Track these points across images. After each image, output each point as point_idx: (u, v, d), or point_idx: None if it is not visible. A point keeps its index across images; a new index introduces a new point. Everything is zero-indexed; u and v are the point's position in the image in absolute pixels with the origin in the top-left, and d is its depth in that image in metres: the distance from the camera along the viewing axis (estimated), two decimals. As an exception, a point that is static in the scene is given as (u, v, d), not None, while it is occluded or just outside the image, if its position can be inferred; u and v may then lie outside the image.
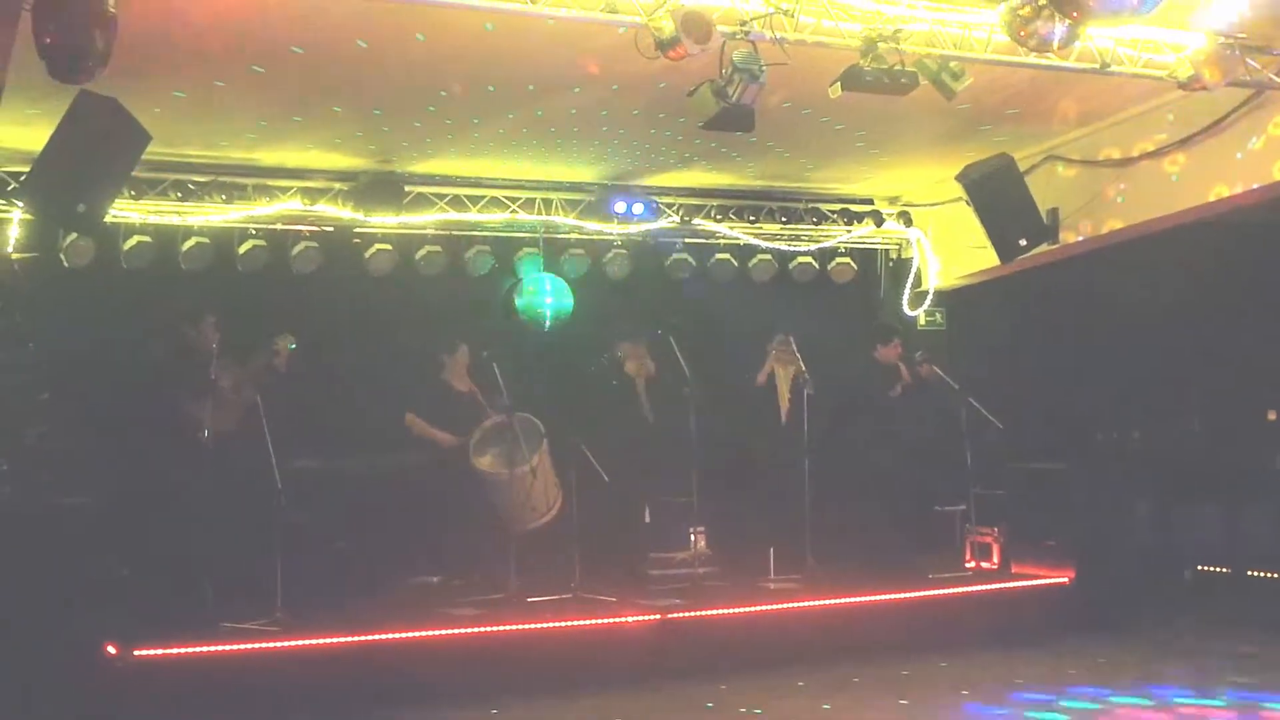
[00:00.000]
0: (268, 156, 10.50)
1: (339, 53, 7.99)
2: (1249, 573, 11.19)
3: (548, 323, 11.60)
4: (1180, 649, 9.56)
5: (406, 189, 10.98)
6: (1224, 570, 11.45)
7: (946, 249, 12.58)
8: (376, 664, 8.18)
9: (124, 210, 10.12)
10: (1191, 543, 11.76)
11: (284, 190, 10.78)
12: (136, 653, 7.74)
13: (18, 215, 9.81)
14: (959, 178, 10.19)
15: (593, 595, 9.38)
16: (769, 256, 12.56)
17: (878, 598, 9.70)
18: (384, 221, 11.02)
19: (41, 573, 8.03)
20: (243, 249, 10.77)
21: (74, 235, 9.94)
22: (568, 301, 11.72)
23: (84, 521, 8.44)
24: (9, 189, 9.67)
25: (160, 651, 7.81)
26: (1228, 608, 10.97)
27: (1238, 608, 10.93)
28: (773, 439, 11.06)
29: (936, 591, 10.01)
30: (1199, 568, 11.68)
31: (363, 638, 8.27)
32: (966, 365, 11.15)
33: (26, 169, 8.41)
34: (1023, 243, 10.18)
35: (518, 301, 11.68)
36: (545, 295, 11.70)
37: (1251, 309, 11.76)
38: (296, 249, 10.94)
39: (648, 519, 10.63)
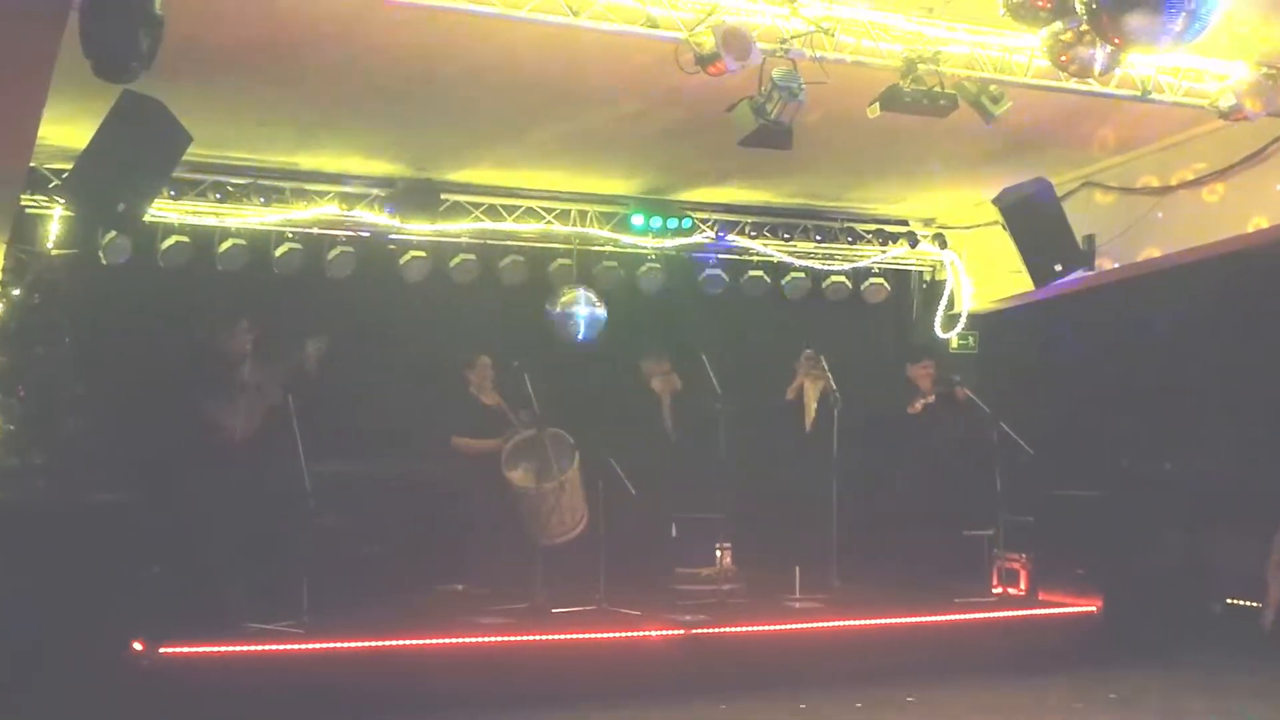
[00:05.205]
0: (306, 161, 10.58)
1: (380, 60, 8.05)
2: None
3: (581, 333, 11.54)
4: (1206, 682, 9.46)
5: (443, 197, 11.02)
6: (1255, 604, 11.33)
7: (981, 272, 12.56)
8: (400, 669, 8.20)
9: (163, 210, 10.19)
10: (1222, 575, 11.64)
11: (321, 195, 10.84)
12: (163, 650, 7.78)
13: (59, 212, 9.94)
14: (995, 201, 10.15)
15: (618, 609, 9.37)
16: (802, 274, 12.57)
17: (903, 620, 9.65)
18: (419, 229, 11.07)
19: (71, 567, 8.09)
20: (279, 252, 10.83)
21: (113, 233, 10.04)
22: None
23: (115, 517, 8.50)
24: (51, 186, 9.78)
25: (186, 650, 7.86)
26: (1258, 641, 10.84)
27: (1268, 642, 10.80)
28: (799, 451, 11.03)
29: (962, 616, 9.93)
30: (1229, 600, 11.57)
31: (387, 643, 8.29)
32: (998, 389, 11.10)
33: (69, 167, 8.49)
34: (1058, 268, 10.13)
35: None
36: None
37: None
38: (332, 253, 11.01)
39: (674, 534, 10.62)
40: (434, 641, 8.45)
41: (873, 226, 12.65)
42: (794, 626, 9.44)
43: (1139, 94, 8.29)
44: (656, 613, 9.40)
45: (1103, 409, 12.30)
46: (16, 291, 9.54)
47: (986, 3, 7.10)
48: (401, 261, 11.24)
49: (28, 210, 9.99)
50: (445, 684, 8.22)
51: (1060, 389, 12.43)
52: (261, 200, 10.62)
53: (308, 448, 8.76)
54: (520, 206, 11.50)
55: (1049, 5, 6.74)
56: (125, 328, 10.17)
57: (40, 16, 5.91)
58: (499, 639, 8.63)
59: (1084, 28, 6.82)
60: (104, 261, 10.28)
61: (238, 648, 8.01)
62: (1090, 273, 10.90)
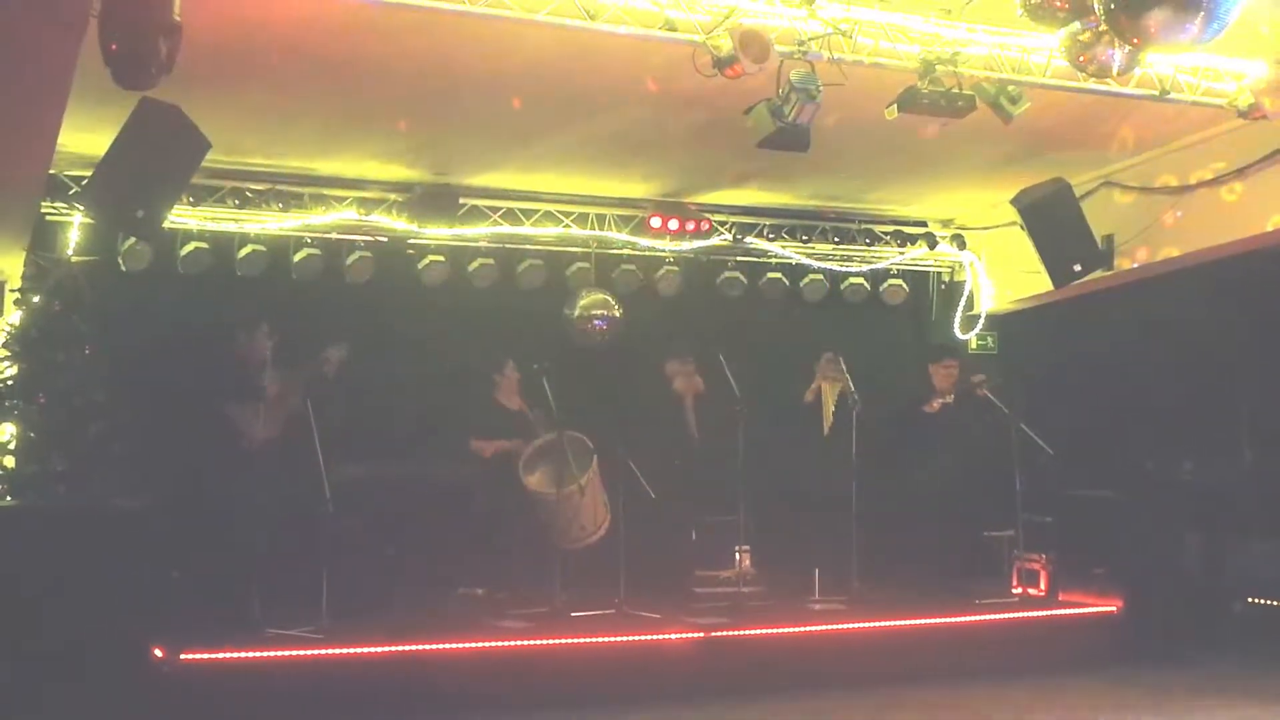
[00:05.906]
0: (325, 166, 10.60)
1: (398, 66, 8.06)
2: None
3: None
4: (1226, 682, 9.42)
5: (461, 202, 11.05)
6: (1275, 603, 11.28)
7: (1000, 273, 12.54)
8: (420, 674, 8.20)
9: (182, 216, 10.24)
10: (1242, 575, 11.60)
11: (340, 200, 10.87)
12: (183, 656, 7.80)
13: (79, 219, 9.98)
14: (1014, 201, 10.13)
15: (637, 611, 9.36)
16: (820, 276, 12.55)
17: (923, 621, 9.63)
18: (438, 233, 11.11)
19: (91, 573, 8.10)
20: (298, 257, 10.87)
21: (132, 240, 10.07)
22: None
23: (135, 523, 8.51)
24: (71, 193, 9.82)
25: (207, 656, 7.87)
26: (1277, 642, 10.80)
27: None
28: (818, 453, 11.02)
29: (983, 617, 9.90)
30: (1249, 600, 11.53)
31: (407, 647, 8.28)
32: (1017, 390, 11.06)
33: (88, 174, 8.52)
34: (1077, 268, 10.11)
35: None
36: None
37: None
38: (351, 258, 11.03)
39: (694, 537, 10.61)
40: (453, 646, 8.44)
41: (891, 228, 12.64)
42: (814, 629, 9.41)
43: (1157, 93, 8.27)
44: (676, 616, 9.40)
45: (1122, 409, 12.24)
46: (37, 298, 9.55)
47: (1004, 3, 7.10)
48: (420, 266, 11.26)
49: (48, 217, 10.04)
50: (465, 688, 8.22)
51: (1080, 389, 12.37)
52: (280, 206, 10.66)
53: (327, 452, 8.76)
54: (538, 210, 11.52)
55: (1067, 6, 6.72)
56: (145, 334, 10.20)
57: (60, 24, 5.94)
58: (518, 643, 8.63)
59: (1102, 28, 6.80)
60: (124, 268, 10.34)
61: (257, 653, 8.01)
62: (1110, 272, 10.86)
